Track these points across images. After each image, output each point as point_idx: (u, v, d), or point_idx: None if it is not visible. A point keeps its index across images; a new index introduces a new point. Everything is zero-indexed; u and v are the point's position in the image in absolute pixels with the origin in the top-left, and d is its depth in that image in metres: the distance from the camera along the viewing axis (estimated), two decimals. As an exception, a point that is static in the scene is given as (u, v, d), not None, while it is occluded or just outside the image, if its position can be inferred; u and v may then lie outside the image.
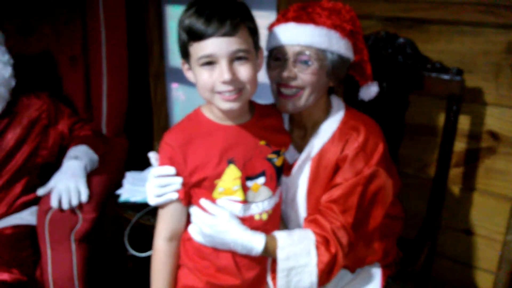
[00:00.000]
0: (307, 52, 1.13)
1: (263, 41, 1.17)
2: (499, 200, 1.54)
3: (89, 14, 1.99)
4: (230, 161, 1.12)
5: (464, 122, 1.54)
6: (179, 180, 1.12)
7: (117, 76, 2.06)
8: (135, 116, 2.32)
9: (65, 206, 1.58)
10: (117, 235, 1.69)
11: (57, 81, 2.09)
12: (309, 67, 1.14)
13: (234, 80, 1.03)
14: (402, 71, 1.45)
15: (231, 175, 1.12)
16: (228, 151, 1.12)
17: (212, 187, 1.13)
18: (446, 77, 1.39)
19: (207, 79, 1.04)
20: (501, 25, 1.41)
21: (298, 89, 1.16)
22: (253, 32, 1.07)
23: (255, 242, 1.12)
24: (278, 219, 1.25)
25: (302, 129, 1.27)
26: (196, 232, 1.16)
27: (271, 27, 1.20)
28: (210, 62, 1.03)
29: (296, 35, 1.13)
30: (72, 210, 1.61)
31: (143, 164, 1.88)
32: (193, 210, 1.16)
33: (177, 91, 2.53)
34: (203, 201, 1.14)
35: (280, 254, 1.13)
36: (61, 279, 1.66)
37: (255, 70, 1.07)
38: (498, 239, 1.57)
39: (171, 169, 1.12)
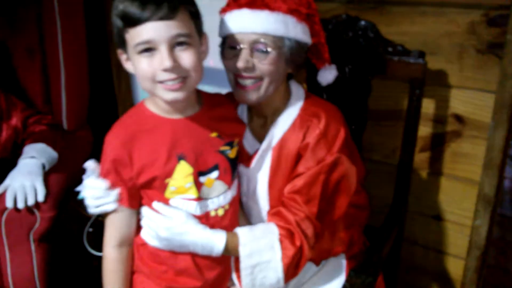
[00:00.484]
0: (264, 41, 1.07)
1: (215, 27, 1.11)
2: (466, 184, 1.51)
3: (44, 3, 1.89)
4: (181, 157, 1.06)
5: (428, 106, 1.51)
6: (113, 194, 1.05)
7: (75, 67, 1.97)
8: (100, 108, 2.25)
9: (20, 205, 1.51)
10: (80, 233, 1.63)
11: (13, 74, 2.00)
12: (267, 56, 1.08)
13: (176, 67, 0.96)
14: (364, 55, 1.40)
15: (183, 172, 1.06)
16: (177, 146, 1.06)
17: (164, 187, 1.06)
18: (408, 60, 1.35)
19: (147, 68, 0.97)
20: (464, 5, 1.37)
21: (257, 80, 1.10)
22: (195, 15, 1.00)
23: (216, 240, 1.08)
24: (236, 213, 1.20)
25: (261, 118, 1.22)
26: (150, 236, 1.10)
27: (223, 12, 1.13)
28: (148, 48, 0.96)
29: (251, 23, 1.07)
30: (29, 209, 1.55)
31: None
32: (146, 212, 1.10)
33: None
34: (156, 204, 1.08)
35: (243, 251, 1.08)
36: (21, 281, 1.60)
37: (199, 56, 1.01)
38: (467, 224, 1.55)
39: (103, 183, 1.05)
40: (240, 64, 1.08)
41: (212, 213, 1.12)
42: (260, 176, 1.21)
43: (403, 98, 1.51)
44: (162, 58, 0.95)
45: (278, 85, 1.15)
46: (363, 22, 1.40)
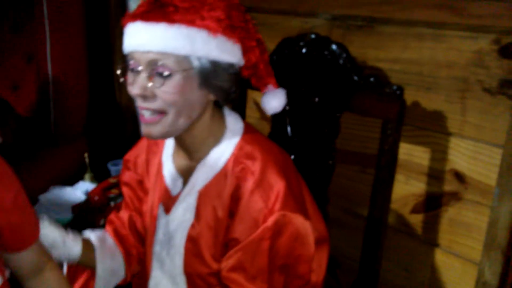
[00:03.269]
0: (163, 62, 0.84)
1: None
2: (466, 264, 1.14)
3: (36, 10, 1.82)
4: None
5: (423, 156, 1.16)
6: None
7: (67, 76, 1.88)
8: (101, 119, 2.15)
9: None
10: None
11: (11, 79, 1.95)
12: (167, 81, 0.84)
13: None
14: (330, 86, 1.11)
15: None
16: None
17: None
18: (380, 96, 1.03)
19: None
20: (469, 27, 1.02)
21: (157, 111, 0.86)
22: None
23: None
24: None
25: (186, 152, 0.98)
26: None
27: (123, 26, 0.92)
28: None
29: (146, 39, 0.84)
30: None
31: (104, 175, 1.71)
32: None
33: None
34: None
35: None
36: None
37: None
38: (465, 316, 1.17)
39: None
40: (135, 90, 0.85)
41: None
42: (179, 226, 0.97)
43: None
44: None
45: (194, 116, 0.90)
46: (334, 45, 1.10)
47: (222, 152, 0.93)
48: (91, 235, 1.06)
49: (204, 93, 0.89)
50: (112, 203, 1.51)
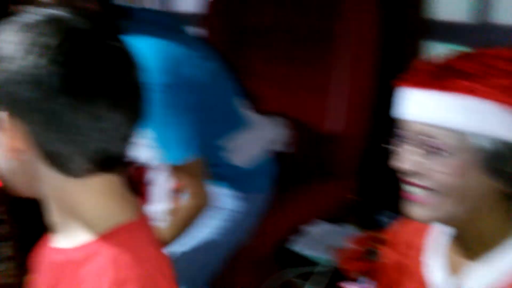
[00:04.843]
0: (438, 137, 0.71)
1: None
2: None
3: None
4: None
5: None
6: None
7: (347, 110, 1.85)
8: (380, 164, 2.03)
9: None
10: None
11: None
12: (443, 160, 0.71)
13: None
14: None
15: None
16: None
17: None
18: None
19: None
20: None
21: (427, 191, 0.74)
22: None
23: None
24: None
25: (462, 248, 0.80)
26: None
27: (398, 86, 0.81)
28: None
29: (418, 107, 0.74)
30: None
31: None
32: None
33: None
34: None
35: None
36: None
37: None
38: None
39: None
40: (405, 165, 0.74)
41: None
42: None
43: None
44: None
45: (477, 207, 0.74)
46: None
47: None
48: None
49: (490, 181, 0.72)
50: (370, 257, 1.41)
